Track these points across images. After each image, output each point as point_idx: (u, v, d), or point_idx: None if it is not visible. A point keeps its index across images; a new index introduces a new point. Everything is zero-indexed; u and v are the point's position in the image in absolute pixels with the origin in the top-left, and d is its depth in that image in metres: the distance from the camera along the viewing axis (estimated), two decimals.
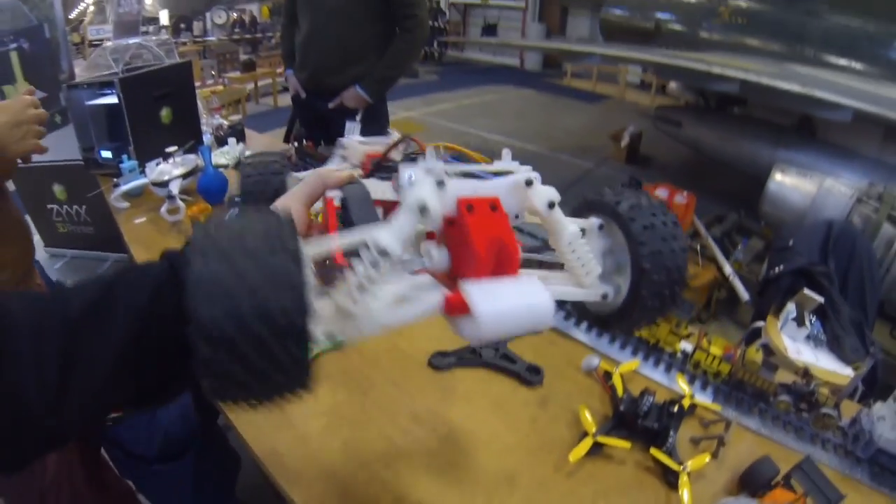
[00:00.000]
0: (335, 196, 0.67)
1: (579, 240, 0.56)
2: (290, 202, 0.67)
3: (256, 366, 0.40)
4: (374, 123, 2.66)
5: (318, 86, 2.73)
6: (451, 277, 0.50)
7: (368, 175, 0.77)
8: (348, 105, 2.62)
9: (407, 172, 0.48)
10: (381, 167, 0.81)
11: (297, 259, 0.41)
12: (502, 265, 0.48)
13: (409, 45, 2.55)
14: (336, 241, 0.48)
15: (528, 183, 0.53)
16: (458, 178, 0.50)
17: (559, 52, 6.44)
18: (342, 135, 2.62)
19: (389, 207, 0.65)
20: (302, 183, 0.68)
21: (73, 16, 4.80)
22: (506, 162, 0.61)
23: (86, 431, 1.36)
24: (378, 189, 0.66)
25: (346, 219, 0.63)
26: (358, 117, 2.59)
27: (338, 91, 2.63)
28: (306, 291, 0.40)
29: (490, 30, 15.05)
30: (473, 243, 0.46)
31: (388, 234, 0.44)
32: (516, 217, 0.55)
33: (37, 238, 3.83)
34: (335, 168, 0.71)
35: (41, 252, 3.90)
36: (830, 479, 1.01)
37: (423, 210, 0.45)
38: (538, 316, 0.46)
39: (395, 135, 0.99)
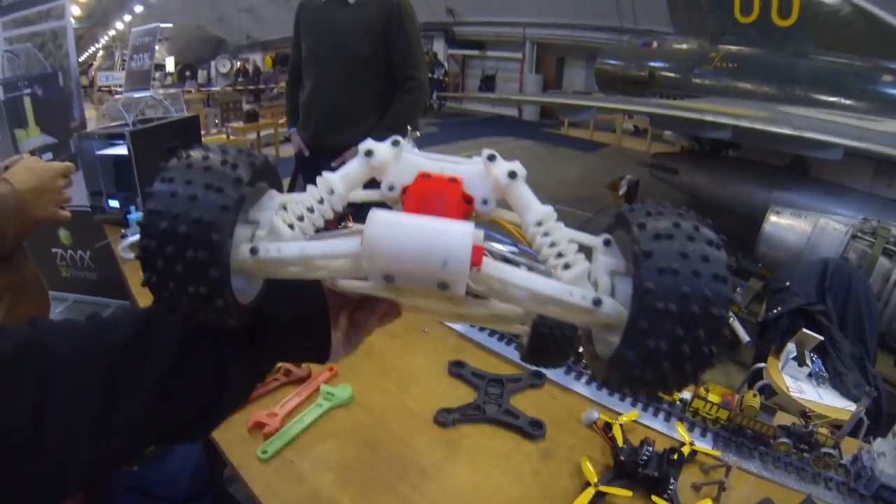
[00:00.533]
0: None
1: (553, 221, 0.48)
2: None
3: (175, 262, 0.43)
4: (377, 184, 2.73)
5: (320, 145, 2.78)
6: None
7: None
8: None
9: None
10: None
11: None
12: (433, 207, 0.44)
13: (409, 107, 2.60)
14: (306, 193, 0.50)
15: (491, 158, 0.49)
16: (426, 156, 0.51)
17: (556, 105, 6.63)
18: None
19: None
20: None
21: (82, 59, 4.91)
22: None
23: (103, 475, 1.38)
24: None
25: None
26: None
27: (340, 150, 2.66)
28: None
29: (488, 80, 15.43)
30: (411, 194, 0.46)
31: (336, 175, 0.48)
32: (485, 203, 0.49)
33: None
34: None
35: None
36: None
37: (368, 153, 0.47)
38: (444, 246, 0.41)
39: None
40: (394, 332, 1.79)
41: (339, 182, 0.49)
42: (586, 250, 0.49)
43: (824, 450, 1.24)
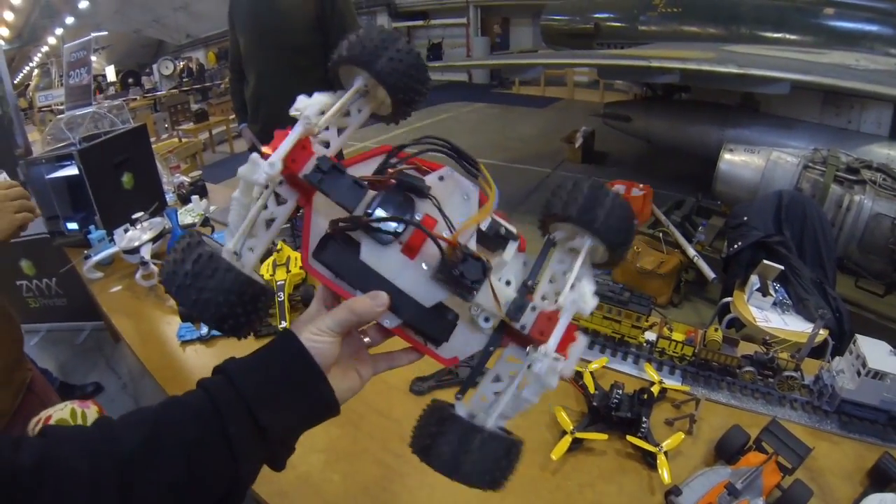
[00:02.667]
0: (391, 324, 0.64)
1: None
2: (315, 341, 0.62)
3: None
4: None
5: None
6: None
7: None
8: None
9: (538, 366, 0.57)
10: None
11: None
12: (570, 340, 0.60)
13: None
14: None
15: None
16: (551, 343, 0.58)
17: (505, 66, 6.61)
18: None
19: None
20: (329, 316, 0.63)
21: (17, 81, 4.74)
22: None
23: None
24: (414, 282, 0.62)
25: (417, 330, 0.65)
26: None
27: None
28: None
29: (435, 48, 15.25)
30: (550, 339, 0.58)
31: (535, 396, 0.59)
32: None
33: None
34: (368, 300, 0.62)
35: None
36: (801, 434, 1.09)
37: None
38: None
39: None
40: None
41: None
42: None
43: (787, 373, 1.31)
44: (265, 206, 0.64)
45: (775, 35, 4.97)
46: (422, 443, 0.60)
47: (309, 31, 2.47)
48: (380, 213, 0.61)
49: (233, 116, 8.87)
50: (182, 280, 0.57)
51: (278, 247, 1.93)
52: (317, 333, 0.62)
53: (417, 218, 0.61)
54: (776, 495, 1.02)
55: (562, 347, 0.57)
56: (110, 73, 14.30)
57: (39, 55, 21.62)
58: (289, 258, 1.89)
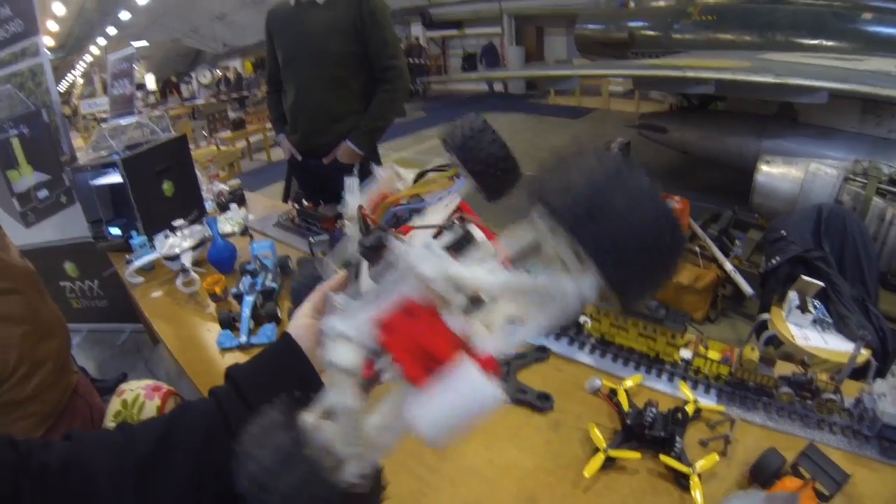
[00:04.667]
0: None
1: (507, 285, 0.48)
2: (296, 324, 0.76)
3: None
4: (369, 176, 2.72)
5: (310, 146, 2.79)
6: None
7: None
8: (342, 161, 2.68)
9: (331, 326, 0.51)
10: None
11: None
12: (435, 361, 0.45)
13: (391, 95, 2.61)
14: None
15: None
16: (362, 304, 0.51)
17: (538, 77, 6.61)
18: (341, 192, 2.66)
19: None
20: (307, 300, 0.78)
21: (62, 89, 4.91)
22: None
23: None
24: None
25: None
26: (354, 172, 2.65)
27: (329, 148, 2.69)
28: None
29: (470, 59, 15.30)
30: (400, 363, 0.46)
31: (335, 395, 0.49)
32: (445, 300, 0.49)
33: None
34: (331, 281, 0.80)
35: None
36: (840, 460, 1.07)
37: (347, 372, 0.49)
38: (480, 404, 0.44)
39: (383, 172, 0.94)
40: None
41: (349, 401, 0.51)
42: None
43: (826, 395, 1.27)
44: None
45: (812, 42, 4.88)
46: None
47: (348, 42, 2.51)
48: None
49: (269, 125, 9.05)
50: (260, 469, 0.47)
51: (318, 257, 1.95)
52: (302, 316, 0.76)
53: None
54: None
55: (420, 365, 0.46)
56: (150, 82, 14.71)
57: (82, 64, 22.36)
58: None
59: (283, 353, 0.75)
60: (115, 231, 2.49)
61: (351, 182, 2.63)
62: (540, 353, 1.57)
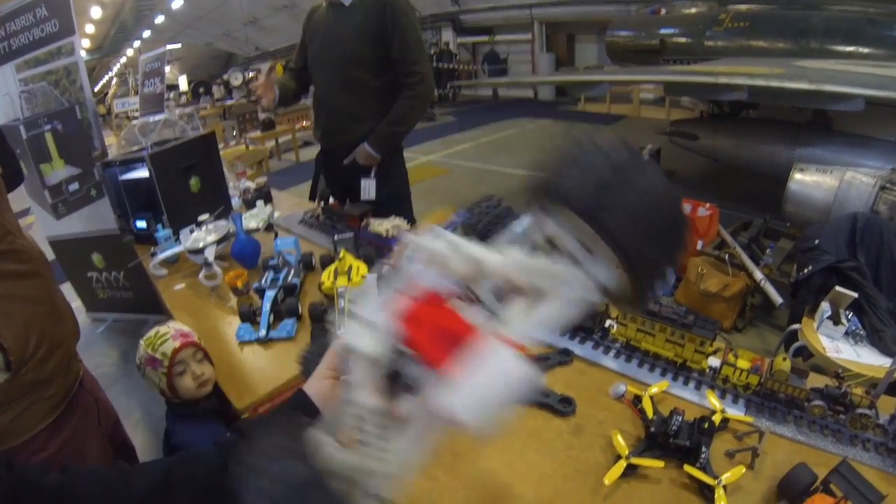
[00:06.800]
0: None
1: (517, 262, 0.48)
2: (313, 385, 0.72)
3: None
4: (391, 179, 2.74)
5: (332, 145, 2.82)
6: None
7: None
8: (360, 162, 2.68)
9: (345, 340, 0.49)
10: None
11: None
12: (458, 341, 0.44)
13: (412, 101, 2.59)
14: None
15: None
16: (386, 292, 0.49)
17: (569, 84, 6.55)
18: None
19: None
20: (324, 359, 0.73)
21: (97, 89, 5.04)
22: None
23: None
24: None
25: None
26: (372, 174, 2.68)
27: (350, 147, 2.70)
28: None
29: (495, 59, 15.32)
30: (420, 348, 0.45)
31: (362, 393, 0.46)
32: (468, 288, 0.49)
33: (78, 303, 3.99)
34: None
35: (83, 317, 4.05)
36: (873, 478, 1.02)
37: (372, 362, 0.47)
38: (514, 380, 0.44)
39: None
40: None
41: (368, 397, 0.48)
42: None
43: (860, 410, 1.21)
44: None
45: (847, 48, 4.75)
46: None
47: (370, 45, 2.51)
48: None
49: (299, 126, 9.18)
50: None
51: (340, 255, 1.96)
52: (319, 377, 0.72)
53: None
54: None
55: (442, 349, 0.45)
56: (182, 83, 14.96)
57: (118, 66, 22.94)
58: (350, 267, 1.92)
59: (296, 406, 0.71)
60: (141, 224, 2.55)
61: (367, 184, 2.64)
62: (563, 357, 1.54)
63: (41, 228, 3.47)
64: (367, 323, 0.48)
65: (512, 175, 7.31)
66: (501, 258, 0.47)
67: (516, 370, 0.43)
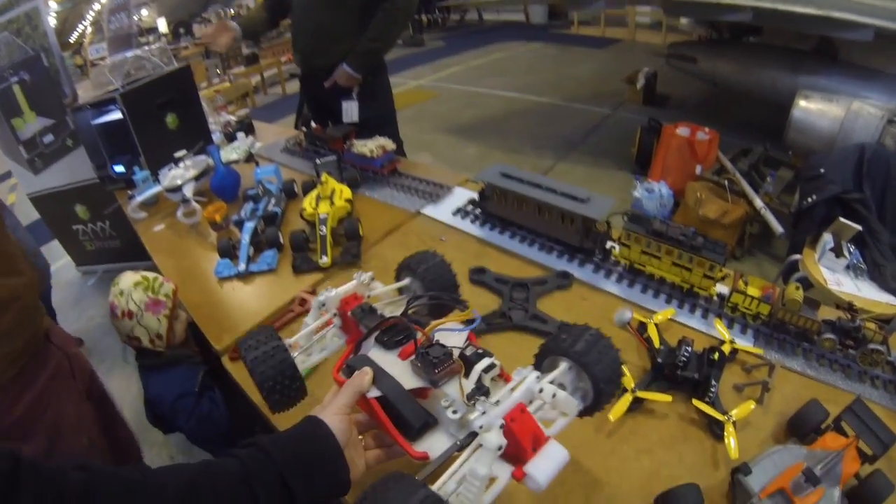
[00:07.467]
0: (373, 394, 0.80)
1: (560, 397, 0.78)
2: (335, 419, 0.77)
3: None
4: (374, 100, 2.63)
5: (311, 66, 2.71)
6: (510, 455, 0.71)
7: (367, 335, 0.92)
8: (341, 83, 2.57)
9: (477, 423, 0.71)
10: (385, 331, 0.90)
11: None
12: (537, 443, 0.72)
13: (391, 14, 2.45)
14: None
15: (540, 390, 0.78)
16: (497, 406, 0.72)
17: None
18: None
19: (421, 393, 0.81)
20: (339, 395, 0.80)
21: (73, 39, 4.82)
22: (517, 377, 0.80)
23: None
24: (402, 373, 0.82)
25: (393, 413, 0.78)
26: (353, 95, 2.57)
27: (330, 70, 2.58)
28: None
29: None
30: (522, 444, 0.70)
31: (485, 466, 0.68)
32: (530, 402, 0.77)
33: (67, 260, 3.93)
34: (360, 373, 0.82)
35: (74, 272, 3.98)
36: (882, 418, 0.96)
37: (493, 451, 0.69)
38: (563, 462, 0.71)
39: (364, 276, 1.05)
40: (408, 243, 1.75)
41: (486, 471, 0.69)
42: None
43: (872, 346, 1.15)
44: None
45: None
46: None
47: None
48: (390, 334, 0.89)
49: (285, 58, 8.92)
50: (256, 356, 0.87)
51: (322, 179, 1.87)
52: (337, 413, 0.77)
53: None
54: (851, 484, 0.90)
55: (531, 443, 0.72)
56: (162, 25, 14.33)
57: (92, 13, 21.96)
58: (333, 191, 1.83)
59: (311, 428, 0.76)
60: (120, 168, 2.45)
61: (349, 106, 2.55)
62: (562, 280, 1.47)
63: (21, 187, 3.39)
64: (487, 425, 0.70)
65: (502, 97, 7.10)
66: (556, 393, 0.78)
67: (564, 458, 0.72)
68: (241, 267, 1.68)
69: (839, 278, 2.23)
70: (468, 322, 0.92)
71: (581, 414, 0.84)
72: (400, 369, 0.83)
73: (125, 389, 2.70)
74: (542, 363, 0.88)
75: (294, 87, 4.15)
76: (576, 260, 1.56)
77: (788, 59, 4.41)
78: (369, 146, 2.14)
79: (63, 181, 3.34)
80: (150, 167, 2.27)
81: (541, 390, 0.78)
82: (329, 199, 1.80)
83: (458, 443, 0.73)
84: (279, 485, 0.69)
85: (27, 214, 3.68)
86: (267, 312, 1.51)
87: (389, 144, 2.18)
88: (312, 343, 0.99)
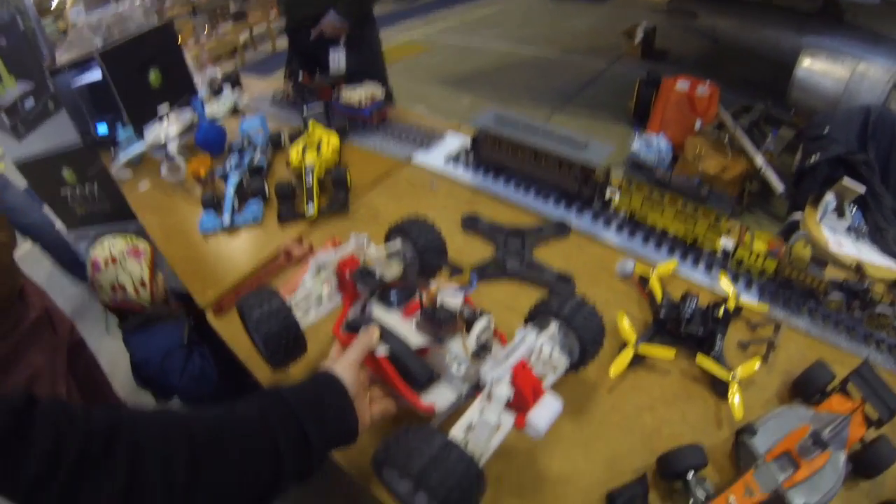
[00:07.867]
0: (382, 352, 0.84)
1: (554, 355, 0.87)
2: (345, 373, 0.80)
3: None
4: (362, 51, 2.55)
5: (296, 21, 2.62)
6: (513, 405, 0.78)
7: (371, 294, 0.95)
8: (327, 33, 2.48)
9: (490, 376, 0.78)
10: (383, 291, 0.95)
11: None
12: (536, 395, 0.78)
13: None
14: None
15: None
16: (507, 360, 0.80)
17: None
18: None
19: (425, 352, 0.87)
20: (349, 350, 0.83)
21: (54, 5, 4.68)
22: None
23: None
24: (406, 330, 0.87)
25: (399, 368, 0.84)
26: (341, 43, 2.48)
27: (315, 19, 2.50)
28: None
29: None
30: (525, 395, 0.76)
31: (495, 415, 0.76)
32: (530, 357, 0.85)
33: (59, 224, 3.84)
34: (368, 330, 0.85)
35: (67, 236, 3.91)
36: (888, 382, 0.92)
37: (501, 400, 0.76)
38: (558, 412, 0.77)
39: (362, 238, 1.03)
40: (399, 191, 1.69)
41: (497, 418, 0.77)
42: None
43: (879, 308, 1.11)
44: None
45: None
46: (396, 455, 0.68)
47: None
48: (394, 295, 0.94)
49: (272, 14, 8.66)
50: (260, 315, 0.88)
51: (309, 127, 1.80)
52: (348, 367, 0.81)
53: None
54: (854, 448, 0.87)
55: (530, 395, 0.77)
56: None
57: None
58: (321, 140, 1.76)
59: (325, 380, 0.79)
60: (103, 129, 2.39)
61: (336, 55, 2.46)
62: (559, 229, 1.41)
63: (7, 156, 3.31)
64: (498, 378, 0.77)
65: (496, 50, 6.92)
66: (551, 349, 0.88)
67: (559, 408, 0.78)
68: (226, 218, 1.61)
69: (840, 240, 2.19)
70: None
71: (567, 370, 0.89)
72: (403, 327, 0.88)
73: (114, 364, 2.62)
74: (534, 321, 0.93)
75: (283, 44, 4.03)
76: (573, 207, 1.50)
77: (792, 19, 4.28)
78: (359, 93, 2.05)
79: (47, 146, 3.27)
80: (134, 125, 2.21)
81: (540, 348, 0.85)
82: (316, 148, 1.73)
83: (463, 395, 0.82)
84: (296, 429, 0.71)
85: (15, 183, 3.60)
86: (252, 265, 1.46)
87: (379, 92, 2.09)
88: (311, 303, 1.01)
